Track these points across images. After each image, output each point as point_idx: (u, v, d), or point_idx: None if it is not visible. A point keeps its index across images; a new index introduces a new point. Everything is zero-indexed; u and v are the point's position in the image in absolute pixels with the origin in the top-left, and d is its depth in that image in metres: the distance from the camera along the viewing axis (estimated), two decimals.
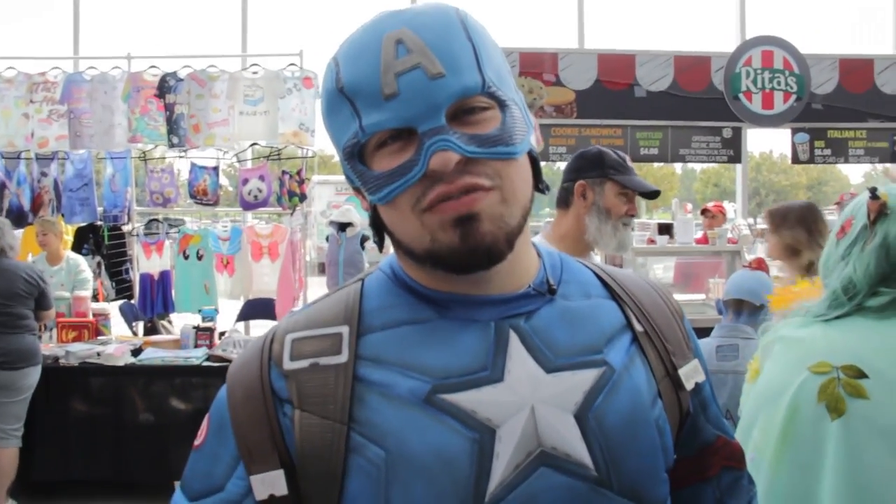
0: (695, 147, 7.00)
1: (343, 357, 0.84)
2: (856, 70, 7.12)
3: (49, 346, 5.12)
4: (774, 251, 3.40)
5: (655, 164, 30.65)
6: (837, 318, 1.37)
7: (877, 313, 1.33)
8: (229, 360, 4.69)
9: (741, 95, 6.93)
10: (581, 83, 6.85)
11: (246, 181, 6.00)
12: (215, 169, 6.23)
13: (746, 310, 2.99)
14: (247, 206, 6.08)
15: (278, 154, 6.05)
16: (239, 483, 0.84)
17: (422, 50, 0.79)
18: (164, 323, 6.56)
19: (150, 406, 4.94)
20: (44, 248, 5.71)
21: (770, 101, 6.97)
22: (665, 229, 6.95)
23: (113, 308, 6.12)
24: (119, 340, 5.42)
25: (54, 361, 4.92)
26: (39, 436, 4.83)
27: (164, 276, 6.22)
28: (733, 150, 7.04)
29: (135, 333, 6.24)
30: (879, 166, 7.52)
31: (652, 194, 2.35)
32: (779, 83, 6.96)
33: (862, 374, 1.27)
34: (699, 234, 7.14)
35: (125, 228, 6.34)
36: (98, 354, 4.96)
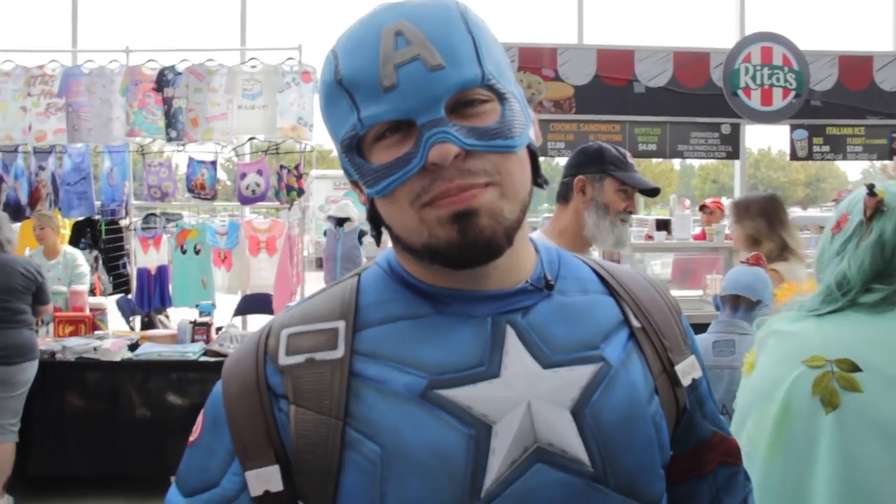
0: (693, 143, 6.99)
1: (339, 352, 0.84)
2: (855, 67, 7.12)
3: (46, 340, 5.12)
4: (737, 242, 3.48)
5: (654, 160, 30.68)
6: (831, 312, 1.38)
7: (870, 309, 1.34)
8: (226, 355, 4.68)
9: (740, 92, 6.93)
10: (580, 78, 6.84)
11: (244, 175, 5.99)
12: (213, 163, 6.22)
13: (743, 305, 3.00)
14: (245, 201, 6.07)
15: (276, 148, 6.04)
16: (234, 479, 0.84)
17: (421, 42, 0.78)
18: (161, 318, 6.56)
19: (147, 401, 4.94)
20: (41, 242, 5.70)
21: (769, 98, 6.96)
22: (663, 225, 6.95)
23: (110, 302, 6.12)
24: (116, 335, 5.42)
25: (51, 356, 4.91)
26: (36, 431, 4.82)
27: (162, 270, 6.22)
28: (732, 147, 7.04)
29: (132, 328, 6.24)
30: (878, 163, 7.52)
31: (651, 191, 2.35)
32: (778, 80, 6.96)
33: (856, 368, 1.27)
34: (697, 231, 7.14)
35: (123, 223, 6.33)
36: (95, 349, 4.95)
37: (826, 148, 7.16)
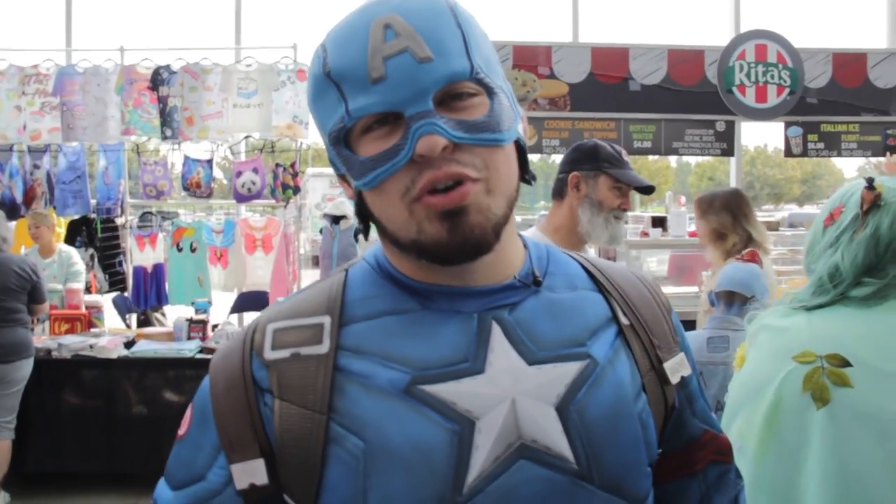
0: (688, 140, 7.01)
1: (324, 347, 0.84)
2: (849, 64, 7.13)
3: (41, 338, 5.12)
4: (702, 237, 3.52)
5: (650, 158, 30.70)
6: (821, 306, 1.38)
7: (860, 303, 1.34)
8: None
9: (735, 89, 6.94)
10: (574, 76, 6.85)
11: (240, 174, 5.99)
12: (209, 161, 6.22)
13: (738, 301, 3.01)
14: (241, 199, 6.08)
15: (272, 147, 6.04)
16: (220, 472, 0.84)
17: (410, 34, 0.78)
18: (158, 315, 6.56)
19: (143, 398, 4.94)
20: (36, 240, 5.70)
21: (763, 95, 6.97)
22: (659, 222, 6.97)
23: (106, 300, 6.12)
24: (112, 333, 5.42)
25: (47, 354, 4.91)
26: (33, 428, 4.83)
27: (158, 268, 6.22)
28: (727, 144, 7.05)
29: (128, 326, 6.24)
30: (873, 160, 7.53)
31: (646, 189, 2.36)
32: (772, 77, 6.97)
33: (846, 363, 1.27)
34: (693, 228, 7.15)
35: (118, 221, 6.33)
36: (91, 347, 4.95)
37: (821, 145, 7.18)
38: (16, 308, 4.59)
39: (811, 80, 7.06)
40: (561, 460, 0.81)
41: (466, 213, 0.79)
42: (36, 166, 6.14)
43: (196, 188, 6.16)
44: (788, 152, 7.24)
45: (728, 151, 7.10)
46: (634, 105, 6.91)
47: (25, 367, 4.60)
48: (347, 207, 8.83)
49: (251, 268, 6.11)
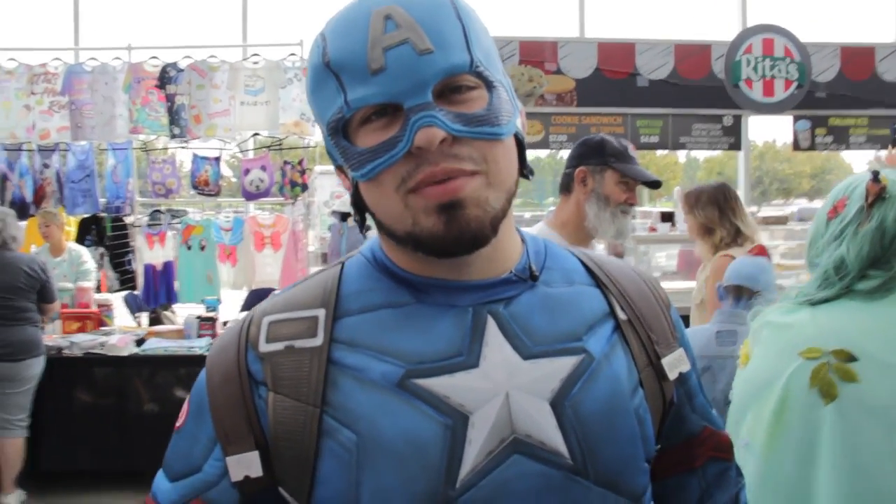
0: (695, 135, 7.00)
1: (318, 340, 0.83)
2: (857, 58, 7.11)
3: (53, 336, 5.15)
4: (691, 231, 3.54)
5: (658, 153, 30.57)
6: (825, 301, 1.37)
7: (865, 296, 1.34)
8: None
9: (742, 83, 6.93)
10: (581, 71, 6.85)
11: (247, 171, 6.01)
12: (217, 159, 6.25)
13: (746, 296, 3.00)
14: (249, 196, 6.10)
15: (280, 144, 6.06)
16: (216, 464, 0.84)
17: (411, 25, 0.77)
18: (167, 313, 6.59)
19: (155, 396, 4.97)
20: (46, 239, 5.73)
21: (771, 89, 6.96)
22: (667, 217, 6.96)
23: (116, 299, 6.15)
24: (122, 331, 5.45)
25: (58, 352, 4.94)
26: (47, 426, 4.86)
27: (167, 266, 6.24)
28: (734, 138, 7.05)
29: (139, 324, 6.27)
30: (883, 153, 7.51)
31: (653, 184, 2.37)
32: (780, 71, 6.96)
33: (852, 358, 1.27)
34: None
35: (128, 220, 6.36)
36: (102, 345, 4.98)
37: (829, 138, 7.16)
38: (25, 307, 4.61)
39: (819, 73, 7.04)
40: (555, 455, 0.80)
41: (464, 207, 0.78)
42: (45, 165, 6.18)
43: (204, 186, 6.19)
44: (797, 146, 7.23)
45: (735, 145, 7.09)
46: (641, 100, 6.90)
47: (36, 366, 4.63)
48: None
49: (260, 265, 6.13)
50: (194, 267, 6.08)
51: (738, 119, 7.02)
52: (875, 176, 1.39)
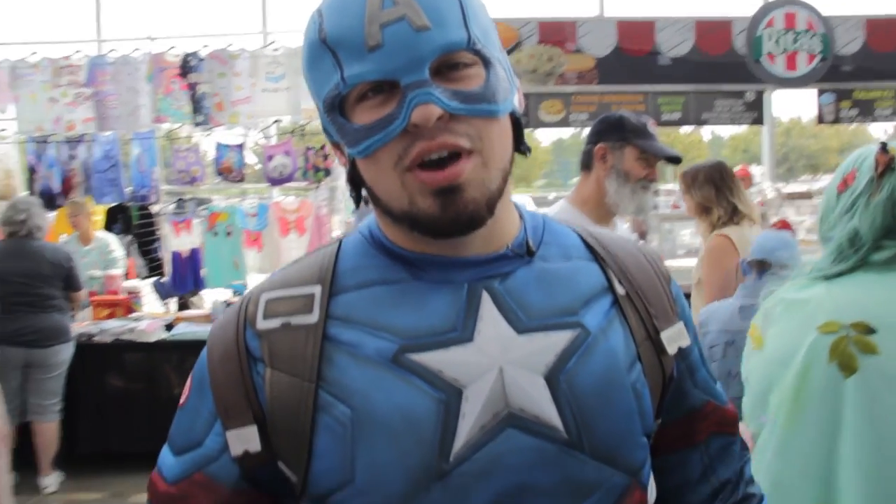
0: (717, 111, 6.93)
1: (314, 317, 0.84)
2: (882, 29, 7.00)
3: (84, 323, 5.24)
4: (689, 210, 3.56)
5: (682, 131, 30.30)
6: (841, 274, 1.36)
7: (881, 267, 1.33)
8: None
9: (764, 58, 6.85)
10: (601, 50, 6.80)
11: (271, 157, 6.06)
12: (240, 146, 6.30)
13: (769, 270, 3.00)
14: (273, 182, 6.16)
15: (302, 130, 6.10)
16: (217, 439, 0.86)
17: (408, 2, 0.77)
18: (195, 299, 6.67)
19: (184, 379, 4.97)
20: (75, 228, 5.84)
21: (793, 63, 6.87)
22: None
23: (145, 286, 6.25)
24: (151, 317, 5.54)
25: (89, 339, 5.03)
26: (81, 410, 4.97)
27: (194, 253, 6.32)
28: (757, 113, 6.97)
29: (167, 310, 6.36)
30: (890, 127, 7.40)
31: (673, 159, 2.37)
32: (802, 45, 6.86)
33: (871, 330, 1.27)
34: None
35: (153, 208, 6.44)
36: (131, 331, 5.07)
37: (854, 111, 7.06)
38: (51, 294, 4.70)
39: (843, 46, 6.94)
40: (549, 429, 0.81)
41: (462, 190, 0.79)
42: (72, 156, 6.26)
43: (228, 173, 6.25)
44: (821, 119, 7.14)
45: (758, 120, 7.01)
46: (662, 77, 6.85)
47: (65, 352, 4.73)
48: None
49: (285, 250, 6.18)
50: (220, 253, 6.15)
51: (760, 94, 6.94)
52: (883, 147, 1.38)
